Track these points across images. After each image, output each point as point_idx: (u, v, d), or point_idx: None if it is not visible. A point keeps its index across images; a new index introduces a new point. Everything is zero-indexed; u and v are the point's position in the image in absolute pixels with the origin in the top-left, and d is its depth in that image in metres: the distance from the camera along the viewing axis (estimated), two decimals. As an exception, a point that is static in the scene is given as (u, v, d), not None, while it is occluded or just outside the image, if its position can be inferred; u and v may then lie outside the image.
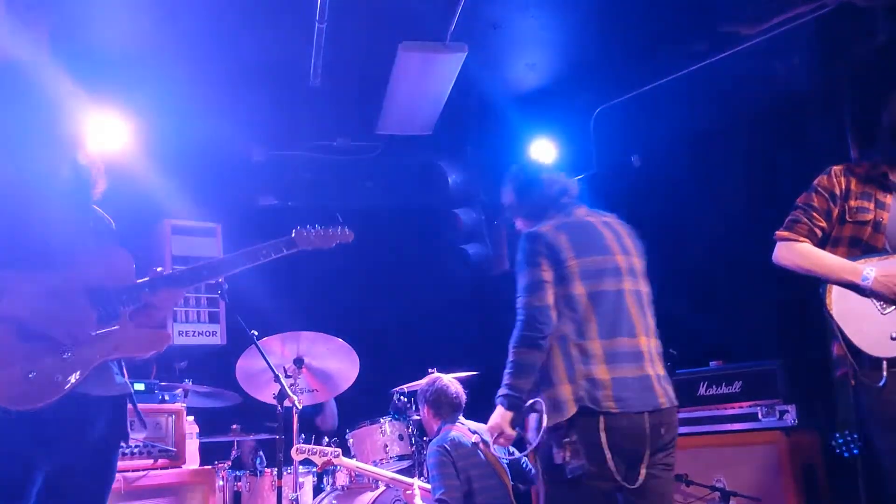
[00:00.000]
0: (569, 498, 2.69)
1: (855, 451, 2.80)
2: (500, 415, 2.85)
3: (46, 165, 2.39)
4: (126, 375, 2.49)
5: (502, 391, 2.85)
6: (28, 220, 2.31)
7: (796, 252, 3.00)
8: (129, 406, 2.49)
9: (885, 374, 2.76)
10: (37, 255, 2.28)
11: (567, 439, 2.65)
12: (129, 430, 2.47)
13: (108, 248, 2.47)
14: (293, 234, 2.78)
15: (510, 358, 2.84)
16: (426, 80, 5.21)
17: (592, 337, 2.75)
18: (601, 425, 2.64)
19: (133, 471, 3.94)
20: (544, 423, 2.69)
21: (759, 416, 4.43)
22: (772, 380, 4.49)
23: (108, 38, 4.49)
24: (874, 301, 2.85)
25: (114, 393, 2.42)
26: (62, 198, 2.40)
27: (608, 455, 2.63)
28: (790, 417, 4.35)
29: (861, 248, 2.94)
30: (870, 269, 2.83)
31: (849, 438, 2.80)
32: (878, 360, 2.78)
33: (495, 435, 2.87)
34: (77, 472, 2.31)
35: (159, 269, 2.53)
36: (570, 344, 2.76)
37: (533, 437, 2.77)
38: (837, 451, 2.84)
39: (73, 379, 2.24)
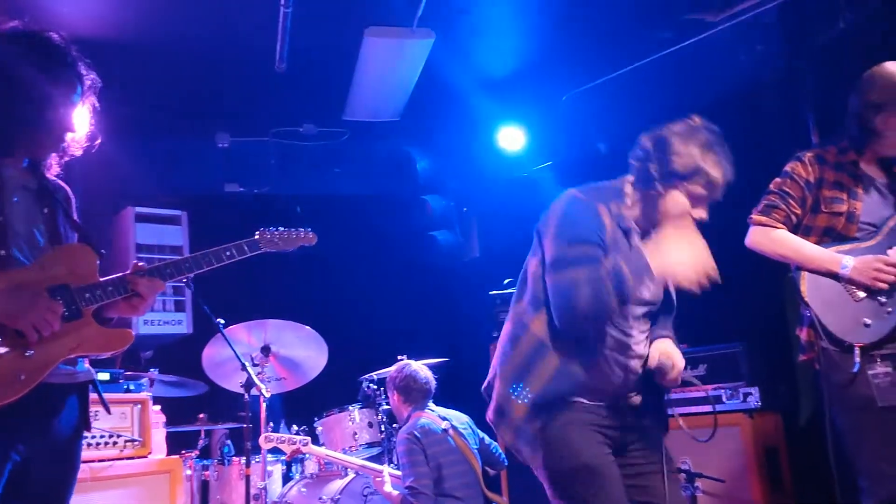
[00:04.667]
0: None
1: None
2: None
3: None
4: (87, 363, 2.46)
5: None
6: None
7: (774, 238, 3.04)
8: (93, 394, 2.46)
9: (857, 360, 2.82)
10: None
11: None
12: (90, 420, 2.44)
13: (71, 246, 2.43)
14: (256, 236, 2.77)
15: None
16: (393, 65, 5.17)
17: None
18: None
19: (99, 461, 3.90)
20: None
21: (724, 398, 4.49)
22: (735, 363, 4.56)
23: (71, 19, 4.40)
24: (847, 288, 2.91)
25: (77, 381, 2.40)
26: (18, 189, 2.36)
27: None
28: (753, 399, 4.42)
29: (833, 236, 3.00)
30: (848, 259, 2.89)
31: None
32: (852, 347, 2.84)
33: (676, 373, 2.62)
34: (41, 463, 2.28)
35: (135, 261, 2.52)
36: None
37: None
38: None
39: (37, 377, 2.21)
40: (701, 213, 2.49)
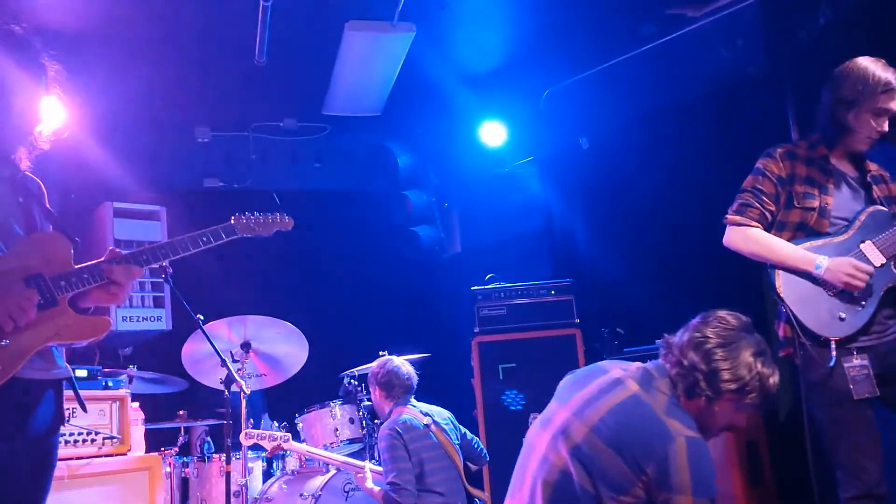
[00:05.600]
0: None
1: None
2: None
3: None
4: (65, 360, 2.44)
5: None
6: None
7: (749, 237, 3.04)
8: (69, 391, 2.44)
9: (833, 353, 2.84)
10: None
11: None
12: (64, 415, 2.42)
13: (44, 235, 2.40)
14: (232, 221, 2.75)
15: None
16: (374, 60, 5.15)
17: None
18: None
19: (77, 458, 3.86)
20: None
21: (705, 393, 4.51)
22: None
23: (49, 14, 4.34)
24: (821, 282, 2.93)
25: (54, 377, 2.37)
26: None
27: None
28: (734, 394, 4.43)
29: (806, 232, 3.01)
30: (822, 259, 2.91)
31: None
32: (828, 341, 2.85)
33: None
34: (17, 460, 2.26)
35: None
36: None
37: None
38: None
39: (13, 367, 2.19)
40: (742, 421, 2.43)
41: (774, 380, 2.35)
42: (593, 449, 2.33)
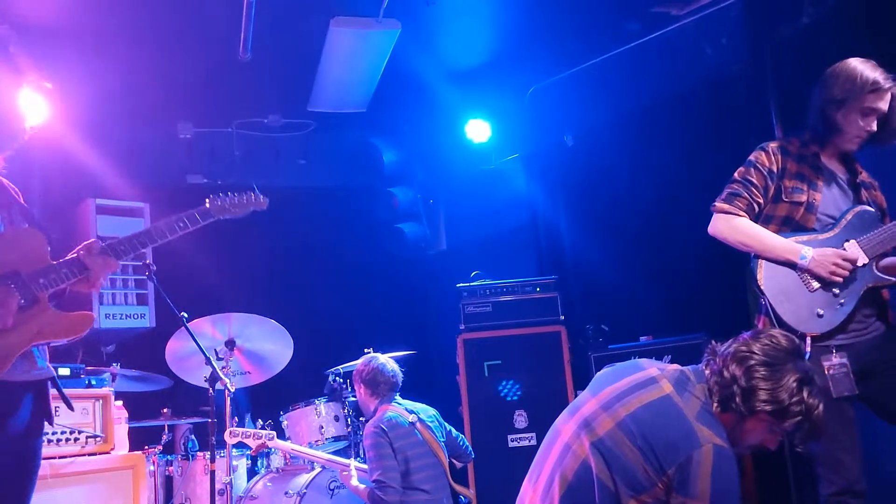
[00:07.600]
0: None
1: None
2: None
3: None
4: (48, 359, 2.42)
5: None
6: None
7: (736, 226, 3.06)
8: (54, 391, 2.41)
9: (808, 349, 2.86)
10: None
11: None
12: (52, 414, 2.40)
13: (19, 231, 2.37)
14: (207, 203, 2.73)
15: None
16: (359, 56, 5.14)
17: None
18: None
19: (60, 457, 3.84)
20: None
21: (688, 388, 4.53)
22: (698, 353, 4.59)
23: (30, 8, 4.30)
24: (803, 278, 2.95)
25: (36, 378, 2.34)
26: None
27: None
28: (717, 389, 4.46)
29: (792, 226, 3.04)
30: (807, 250, 2.93)
31: None
32: (804, 336, 2.88)
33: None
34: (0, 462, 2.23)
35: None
36: None
37: None
38: None
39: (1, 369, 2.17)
40: (773, 444, 2.37)
41: (819, 411, 2.26)
42: (616, 444, 2.31)
